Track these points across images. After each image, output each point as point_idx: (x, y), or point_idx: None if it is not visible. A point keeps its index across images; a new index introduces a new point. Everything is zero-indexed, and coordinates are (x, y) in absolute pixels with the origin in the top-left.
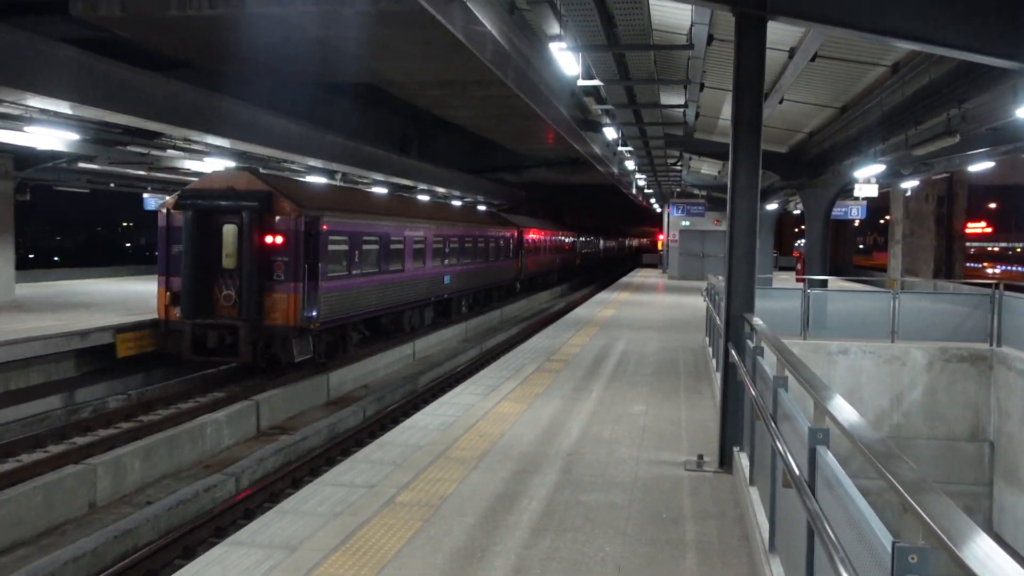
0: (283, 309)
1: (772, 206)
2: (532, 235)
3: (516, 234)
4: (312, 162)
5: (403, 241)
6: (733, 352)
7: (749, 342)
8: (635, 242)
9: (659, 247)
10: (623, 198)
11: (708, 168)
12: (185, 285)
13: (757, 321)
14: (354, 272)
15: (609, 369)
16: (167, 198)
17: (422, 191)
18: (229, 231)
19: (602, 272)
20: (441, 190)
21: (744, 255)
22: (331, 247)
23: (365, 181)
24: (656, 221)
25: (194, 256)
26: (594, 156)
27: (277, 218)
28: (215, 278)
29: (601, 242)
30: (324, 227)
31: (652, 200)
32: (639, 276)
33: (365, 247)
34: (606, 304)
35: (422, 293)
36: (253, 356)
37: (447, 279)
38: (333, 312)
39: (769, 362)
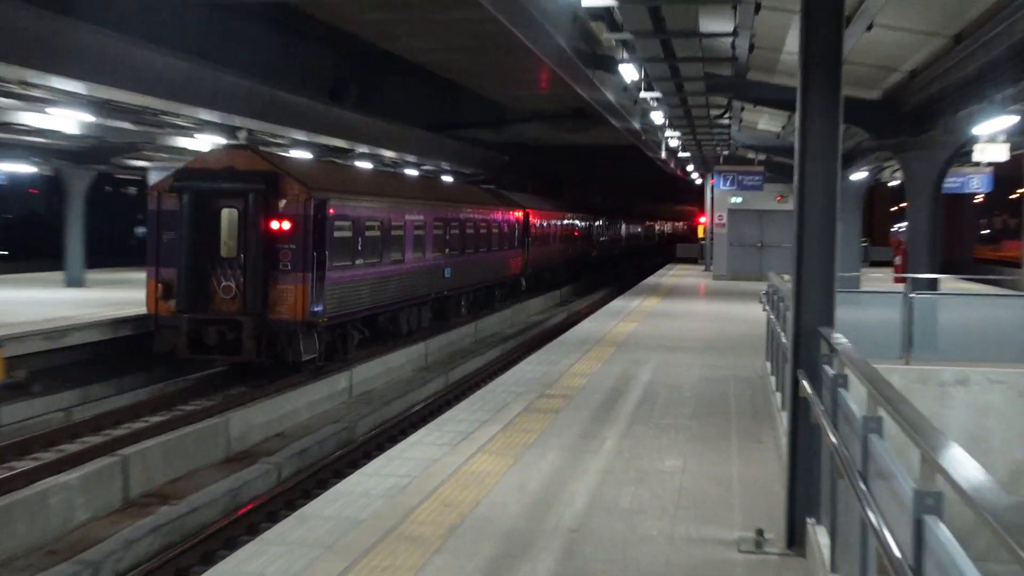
0: (290, 302)
1: (859, 175)
2: (539, 219)
3: (522, 217)
4: (204, 114)
5: (403, 226)
6: (805, 383)
7: (827, 368)
8: (666, 227)
9: (699, 234)
10: (648, 165)
11: (767, 122)
12: (181, 275)
13: (838, 339)
14: (357, 262)
15: (629, 408)
16: (157, 178)
17: (361, 155)
18: (229, 216)
19: (623, 268)
20: (389, 154)
21: (819, 245)
22: (337, 234)
23: (280, 141)
24: (696, 197)
25: (191, 244)
26: (606, 106)
27: (283, 201)
28: (212, 268)
29: (623, 227)
30: (331, 211)
31: (689, 168)
32: (672, 274)
33: (368, 234)
34: (625, 315)
35: (422, 288)
36: (257, 353)
37: (447, 272)
38: (338, 307)
39: (856, 396)
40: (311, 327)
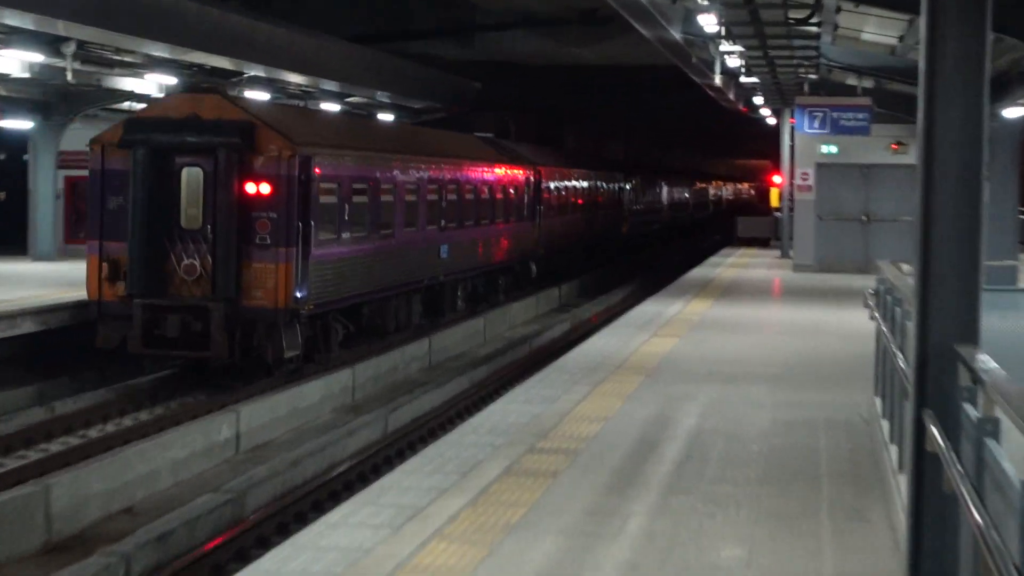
0: (269, 285)
1: (1016, 111)
2: (555, 180)
3: (533, 178)
4: (9, 18)
5: (394, 189)
6: (934, 430)
7: (969, 408)
8: (723, 190)
9: (772, 202)
10: (695, 99)
11: (876, 30)
12: (134, 251)
13: (986, 363)
14: (343, 236)
15: (665, 469)
16: (101, 130)
17: (256, 81)
18: (192, 177)
19: (659, 252)
20: (296, 79)
21: (957, 219)
22: (324, 199)
23: (130, 60)
24: (766, 146)
25: (145, 211)
26: (631, 5)
27: (261, 159)
28: (171, 242)
29: (663, 192)
30: (317, 170)
31: (757, 101)
32: (731, 263)
33: (355, 199)
34: (660, 326)
35: (415, 271)
36: (230, 349)
37: (444, 251)
38: (323, 292)
39: (1017, 450)
40: (294, 316)
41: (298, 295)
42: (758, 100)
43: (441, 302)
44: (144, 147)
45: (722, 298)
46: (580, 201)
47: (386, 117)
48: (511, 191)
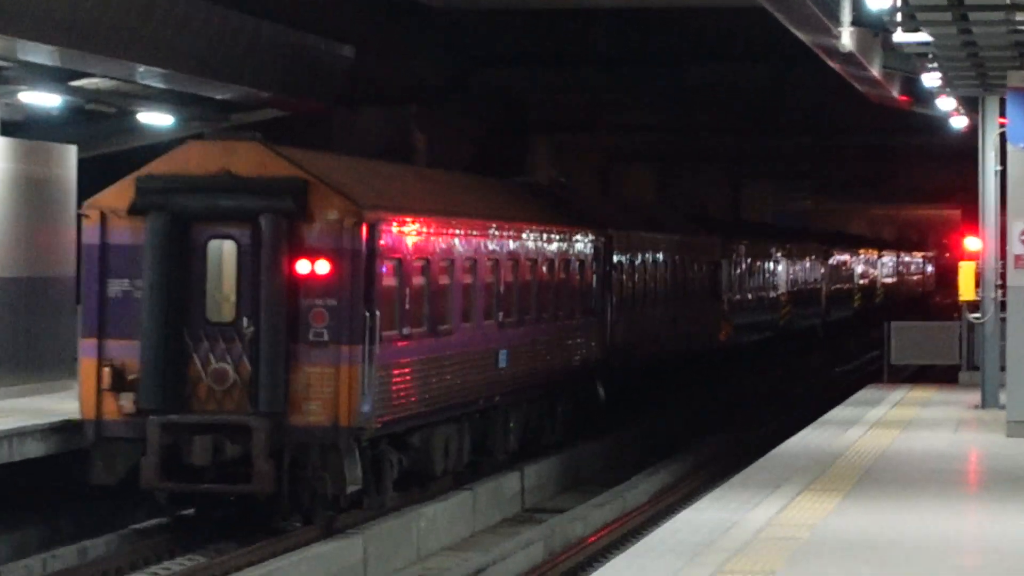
0: (328, 395)
1: None
2: (630, 251)
3: (601, 247)
4: None
5: (454, 266)
6: None
7: None
8: (875, 267)
9: (963, 290)
10: (802, 82)
11: None
12: (148, 352)
13: None
14: (404, 331)
15: None
16: (100, 192)
17: None
18: (224, 253)
19: (762, 376)
20: None
21: None
22: (388, 281)
23: None
24: (948, 178)
25: (162, 299)
26: None
27: (318, 227)
28: (195, 340)
29: (781, 270)
30: (383, 242)
31: (930, 83)
32: (880, 419)
33: (418, 280)
34: (731, 554)
35: (471, 383)
36: (278, 483)
37: (502, 358)
38: (387, 407)
39: None
40: (357, 438)
41: (364, 409)
42: (932, 80)
43: (490, 437)
44: (162, 214)
45: (857, 493)
46: (661, 286)
47: (155, 118)
48: (575, 269)
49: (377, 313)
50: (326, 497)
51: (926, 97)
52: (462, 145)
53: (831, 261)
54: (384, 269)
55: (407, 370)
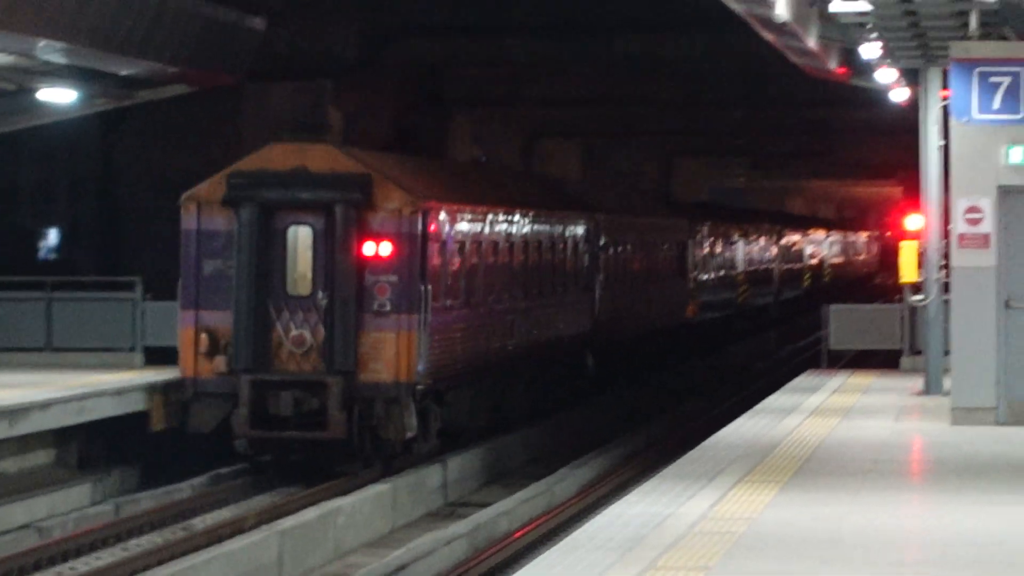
0: (389, 356)
1: None
2: (616, 233)
3: (592, 229)
4: None
5: (493, 247)
6: None
7: None
8: (823, 246)
9: (905, 271)
10: (738, 43)
11: None
12: (240, 321)
13: None
14: (448, 303)
15: None
16: (196, 186)
17: None
18: (300, 238)
19: (723, 354)
20: None
21: None
22: (440, 259)
23: None
24: (888, 152)
25: (252, 276)
26: None
27: (381, 215)
28: (277, 310)
29: (741, 250)
30: (432, 227)
31: (867, 54)
32: (821, 406)
33: (463, 259)
34: (662, 550)
35: (500, 345)
36: (349, 430)
37: (518, 327)
38: (438, 367)
39: None
40: (413, 392)
41: (419, 368)
42: (871, 51)
43: (509, 399)
44: (251, 204)
45: (795, 484)
46: (639, 266)
47: (57, 95)
48: (569, 249)
49: (429, 286)
50: (389, 442)
51: (865, 69)
52: (380, 122)
53: (783, 241)
54: (438, 249)
55: (453, 336)
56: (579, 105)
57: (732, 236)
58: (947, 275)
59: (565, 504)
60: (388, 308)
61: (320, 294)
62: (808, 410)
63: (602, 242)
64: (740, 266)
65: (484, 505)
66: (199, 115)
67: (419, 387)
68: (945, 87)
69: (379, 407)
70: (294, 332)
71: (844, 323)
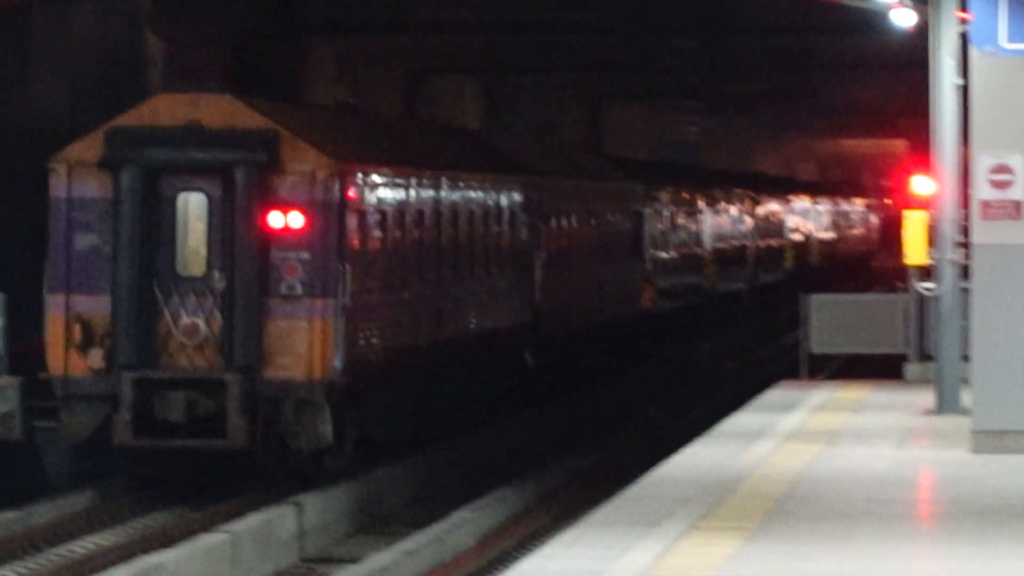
0: (301, 349)
1: None
2: (559, 204)
3: (532, 202)
4: None
5: (419, 217)
6: None
7: None
8: (781, 214)
9: (910, 252)
10: None
11: None
12: (121, 307)
13: None
14: (369, 285)
15: None
16: (69, 145)
17: None
18: (192, 206)
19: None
20: None
21: None
22: (366, 233)
23: None
24: (889, 100)
25: (134, 253)
26: None
27: (290, 180)
28: (165, 295)
29: (707, 223)
30: (351, 194)
31: None
32: (799, 426)
33: (385, 233)
34: None
35: (435, 335)
36: (251, 437)
37: (447, 315)
38: (356, 363)
39: None
40: (327, 393)
41: (336, 364)
42: None
43: (435, 402)
44: (133, 167)
45: (766, 533)
46: (586, 243)
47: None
48: (506, 221)
49: (347, 265)
50: (300, 452)
51: None
52: (213, 53)
53: (759, 211)
54: (359, 220)
55: (369, 325)
56: (475, 32)
57: (696, 205)
58: (966, 255)
59: (460, 559)
60: (299, 291)
61: (216, 275)
62: (783, 434)
63: (543, 212)
64: (707, 242)
65: (352, 560)
66: None
67: (335, 386)
68: (963, 7)
69: (288, 410)
70: (185, 320)
71: (830, 319)
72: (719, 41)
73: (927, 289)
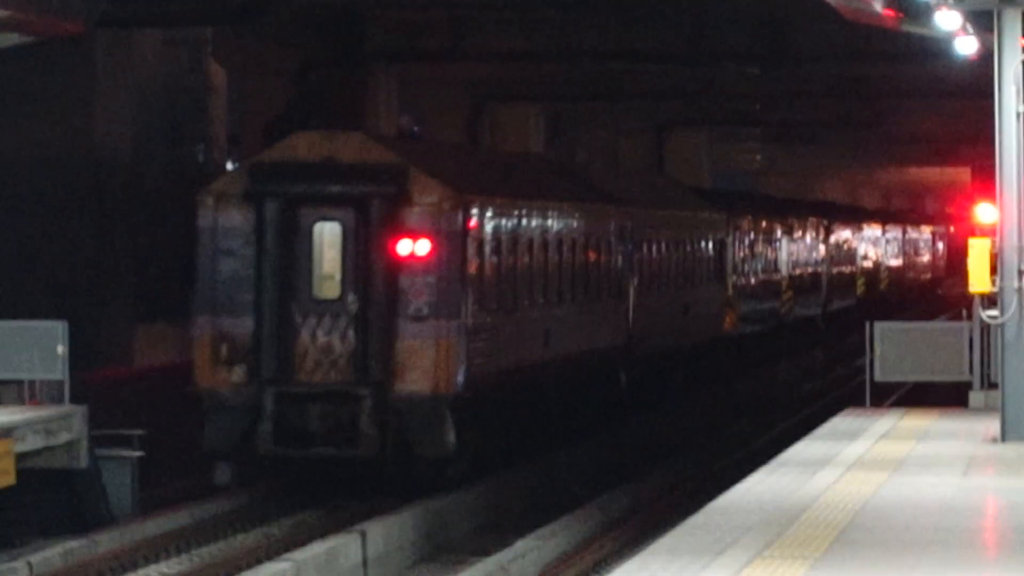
0: (426, 365)
1: None
2: (651, 231)
3: (626, 228)
4: None
5: (534, 243)
6: None
7: None
8: (853, 241)
9: (974, 279)
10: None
11: None
12: (264, 327)
13: None
14: (497, 306)
15: None
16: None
17: None
18: (327, 235)
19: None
20: None
21: None
22: (485, 259)
23: None
24: (953, 129)
25: (275, 278)
26: None
27: (418, 210)
28: (302, 316)
29: (784, 249)
30: (473, 223)
31: None
32: (861, 456)
33: (510, 259)
34: None
35: (523, 363)
36: (382, 447)
37: (553, 335)
38: (480, 378)
39: None
40: (451, 406)
41: (459, 379)
42: None
43: (545, 420)
44: (274, 199)
45: (830, 562)
46: (675, 269)
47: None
48: (603, 249)
49: (471, 289)
50: (424, 460)
51: (920, 11)
52: (276, 81)
53: (832, 239)
54: (481, 247)
55: (488, 344)
56: (538, 59)
57: (775, 232)
58: None
59: None
60: (426, 312)
61: (350, 297)
62: (847, 462)
63: (636, 240)
64: (784, 269)
65: None
66: (44, 72)
67: (458, 400)
68: None
69: (415, 421)
70: (321, 339)
71: (894, 346)
72: (780, 69)
73: (991, 317)
